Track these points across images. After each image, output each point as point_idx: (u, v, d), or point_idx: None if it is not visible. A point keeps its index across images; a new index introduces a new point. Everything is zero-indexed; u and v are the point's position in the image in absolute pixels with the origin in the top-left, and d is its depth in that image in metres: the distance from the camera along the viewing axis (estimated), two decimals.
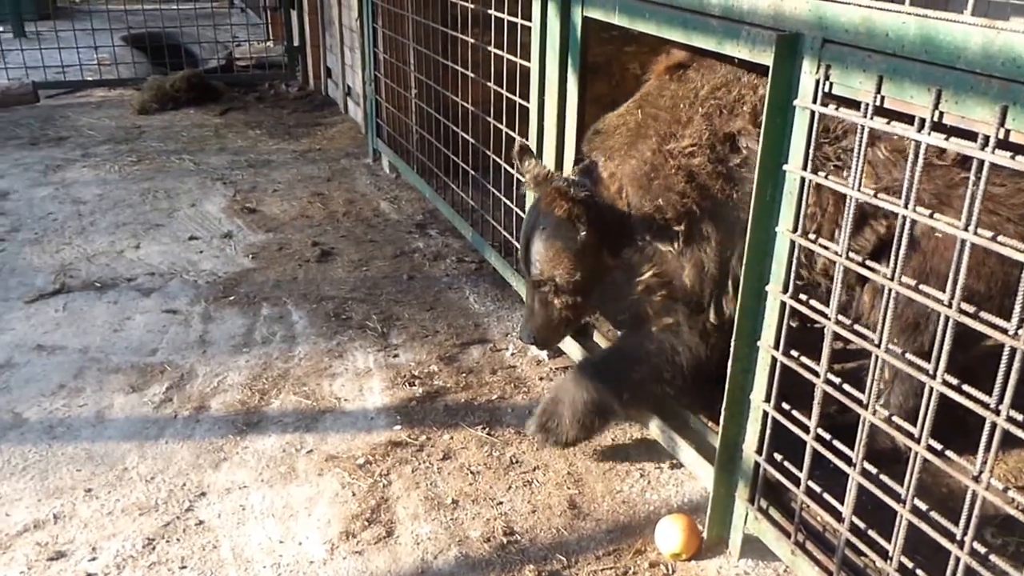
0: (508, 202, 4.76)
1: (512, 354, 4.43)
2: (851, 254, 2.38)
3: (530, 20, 4.07)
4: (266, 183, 7.07)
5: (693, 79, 3.34)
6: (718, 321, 3.30)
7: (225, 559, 3.05)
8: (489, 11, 4.75)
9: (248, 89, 10.24)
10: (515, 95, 4.46)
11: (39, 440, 3.69)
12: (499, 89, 4.70)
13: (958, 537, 2.15)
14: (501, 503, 3.36)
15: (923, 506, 2.27)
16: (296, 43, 10.53)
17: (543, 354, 4.36)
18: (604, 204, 3.37)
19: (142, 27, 10.88)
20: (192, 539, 3.15)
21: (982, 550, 2.12)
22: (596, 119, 3.68)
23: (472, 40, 5.15)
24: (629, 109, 3.52)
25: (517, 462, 3.59)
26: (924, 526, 2.22)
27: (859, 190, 2.31)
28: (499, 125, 4.76)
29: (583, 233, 3.36)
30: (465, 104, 5.39)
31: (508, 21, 4.49)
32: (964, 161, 2.74)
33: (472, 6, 5.08)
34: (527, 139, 4.29)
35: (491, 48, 4.78)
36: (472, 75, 5.23)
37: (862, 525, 2.47)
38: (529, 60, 4.13)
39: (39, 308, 4.87)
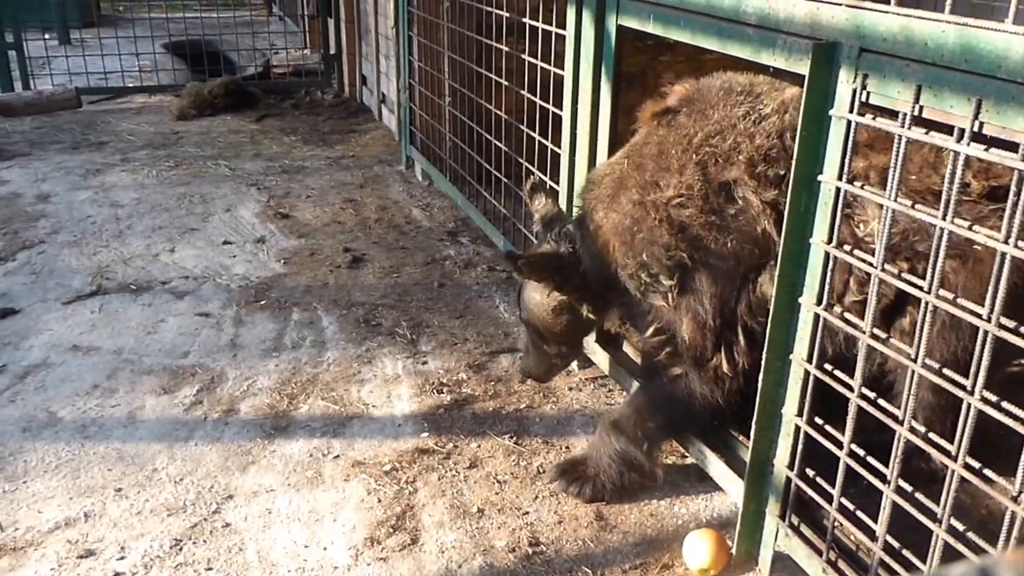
0: None
1: None
2: (887, 266, 2.34)
3: (564, 29, 4.06)
4: (300, 189, 7.11)
5: (684, 125, 3.18)
6: (731, 372, 3.15)
7: (250, 562, 3.05)
8: (524, 20, 4.75)
9: (284, 96, 10.32)
10: (548, 103, 4.45)
11: (72, 439, 3.72)
12: (533, 97, 4.70)
13: None
14: (527, 513, 3.33)
15: (960, 526, 2.22)
16: (332, 51, 10.60)
17: (572, 364, 4.34)
18: (592, 258, 3.41)
19: (182, 35, 10.99)
20: (218, 541, 3.15)
21: None
22: (628, 129, 3.62)
23: (507, 48, 5.15)
24: (618, 158, 3.44)
25: (544, 472, 3.56)
26: (961, 547, 2.18)
27: (896, 200, 2.27)
28: (532, 133, 4.75)
29: (555, 303, 3.58)
30: (499, 112, 5.39)
31: (543, 29, 4.48)
32: (992, 194, 2.66)
33: (508, 15, 5.07)
34: (559, 148, 4.28)
35: (525, 56, 4.77)
36: (506, 83, 5.23)
37: (896, 544, 2.42)
38: (563, 69, 4.12)
39: (76, 309, 4.92)
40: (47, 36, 11.96)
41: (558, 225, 3.66)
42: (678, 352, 3.25)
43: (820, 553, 2.71)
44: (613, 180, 3.35)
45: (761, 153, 2.96)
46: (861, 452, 2.50)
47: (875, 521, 2.47)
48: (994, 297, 2.01)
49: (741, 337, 3.08)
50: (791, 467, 2.76)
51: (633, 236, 3.19)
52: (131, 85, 10.41)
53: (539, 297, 3.63)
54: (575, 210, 3.66)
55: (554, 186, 4.46)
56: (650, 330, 3.33)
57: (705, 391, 3.22)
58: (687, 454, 3.59)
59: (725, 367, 3.12)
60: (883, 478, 2.42)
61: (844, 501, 2.59)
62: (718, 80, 3.27)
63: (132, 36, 10.51)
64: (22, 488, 3.41)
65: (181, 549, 3.11)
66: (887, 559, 2.44)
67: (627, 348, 4.19)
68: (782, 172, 2.90)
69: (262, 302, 5.04)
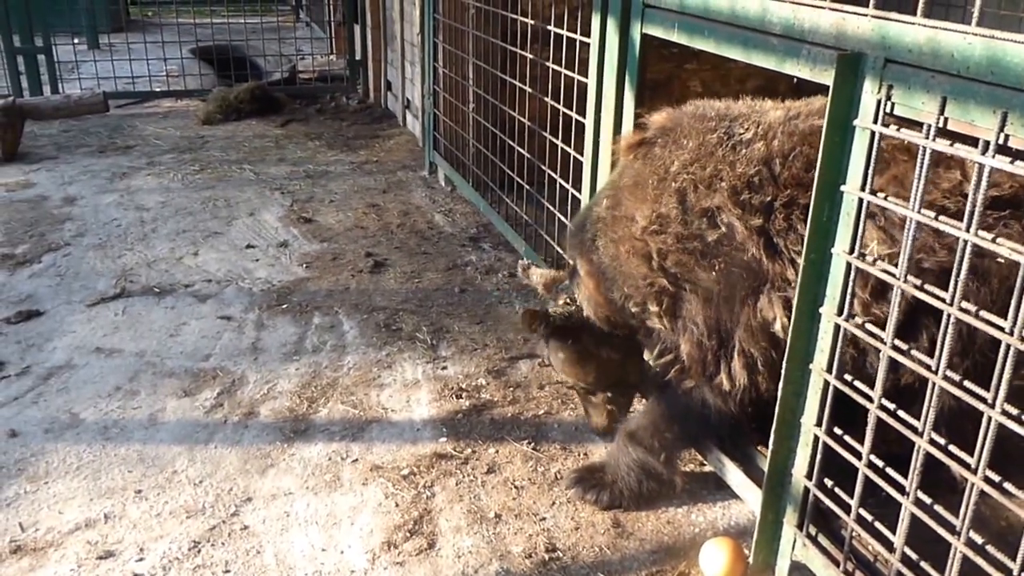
0: (562, 217, 4.75)
1: None
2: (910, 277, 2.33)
3: (589, 37, 4.06)
4: (323, 194, 7.14)
5: (660, 156, 3.15)
6: (731, 388, 3.09)
7: (268, 565, 3.07)
8: (549, 27, 4.76)
9: (310, 101, 10.38)
10: (572, 111, 4.45)
11: (94, 441, 3.75)
12: (556, 105, 4.70)
13: (1015, 574, 2.08)
14: (544, 519, 3.33)
15: (979, 539, 2.20)
16: (358, 57, 10.65)
17: None
18: (587, 304, 3.51)
19: (209, 40, 11.08)
20: (237, 544, 3.17)
21: None
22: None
23: (531, 56, 5.16)
24: (599, 199, 3.48)
25: (561, 478, 3.56)
26: (980, 560, 2.16)
27: (919, 212, 2.26)
28: (555, 140, 4.75)
29: (575, 355, 3.69)
30: (522, 119, 5.40)
31: (567, 37, 4.49)
32: (994, 203, 2.64)
33: (532, 22, 5.08)
34: (582, 155, 4.28)
35: (550, 64, 4.78)
36: (530, 90, 5.23)
37: (915, 556, 2.40)
38: (587, 76, 4.13)
39: (100, 311, 4.96)
40: (76, 41, 12.10)
41: (555, 286, 3.80)
42: (683, 370, 3.23)
43: (837, 564, 2.69)
44: (594, 224, 3.38)
45: (744, 181, 2.89)
46: (880, 463, 2.48)
47: (893, 532, 2.45)
48: (1017, 310, 1.99)
49: (736, 360, 3.02)
50: (809, 477, 2.75)
51: (613, 273, 3.26)
52: (158, 90, 10.50)
53: (561, 355, 3.72)
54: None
55: (576, 194, 4.47)
56: (656, 350, 3.35)
57: (718, 403, 3.20)
58: (705, 462, 3.58)
59: (726, 384, 3.10)
60: (902, 489, 2.40)
61: (862, 512, 2.58)
62: (691, 107, 3.27)
63: (160, 41, 10.59)
64: (43, 489, 3.44)
65: (199, 551, 3.13)
66: (905, 571, 2.42)
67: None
68: (768, 199, 2.85)
69: (284, 306, 5.07)
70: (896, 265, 2.36)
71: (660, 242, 3.04)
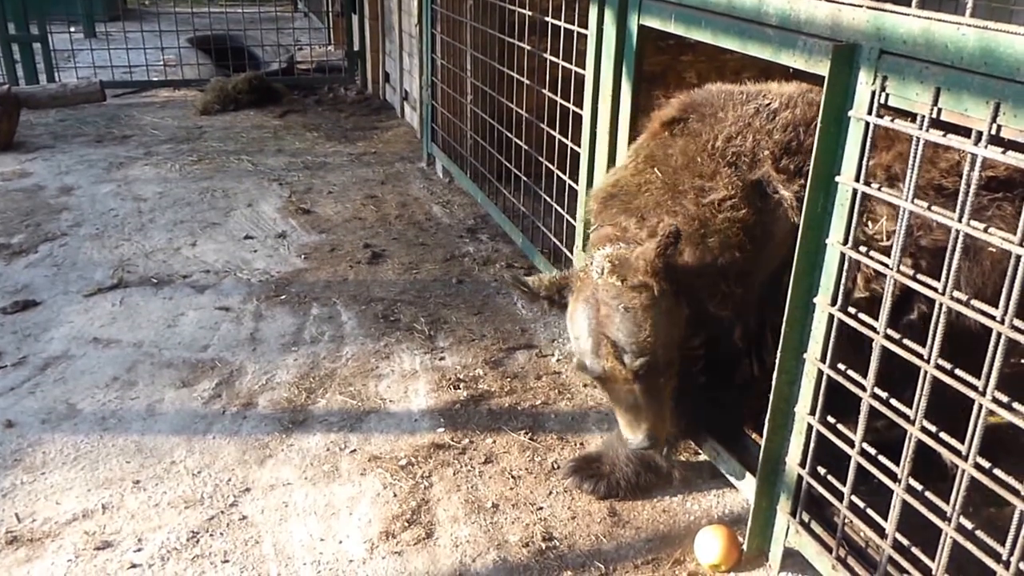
0: (559, 208, 4.76)
1: (557, 360, 4.42)
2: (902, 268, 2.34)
3: (586, 28, 4.07)
4: (321, 185, 7.14)
5: (700, 131, 3.15)
6: (760, 374, 3.12)
7: (267, 555, 3.08)
8: (546, 18, 4.76)
9: (308, 92, 10.37)
10: (569, 102, 4.46)
11: (91, 431, 3.76)
12: (554, 96, 4.71)
13: (1004, 558, 2.10)
14: (541, 508, 3.35)
15: (969, 525, 2.22)
16: (356, 48, 10.64)
17: None
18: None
19: (207, 29, 11.07)
20: (235, 534, 3.18)
21: None
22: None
23: (529, 47, 5.16)
24: (639, 169, 3.25)
25: (558, 467, 3.58)
26: (969, 546, 2.18)
27: (912, 202, 2.27)
28: (552, 132, 4.76)
29: (663, 289, 2.95)
30: (520, 111, 5.40)
31: (565, 28, 4.50)
32: (988, 184, 2.67)
33: (530, 14, 5.09)
34: (579, 146, 4.29)
35: (547, 55, 4.78)
36: (528, 82, 5.24)
37: (906, 542, 2.42)
38: (584, 68, 4.13)
39: (97, 302, 4.97)
40: (72, 29, 12.07)
41: (586, 266, 3.14)
42: (712, 359, 3.22)
43: (830, 550, 2.72)
44: (654, 187, 3.12)
45: (781, 148, 2.99)
46: (872, 451, 2.50)
47: (885, 519, 2.47)
48: (1008, 299, 2.01)
49: (770, 337, 3.08)
50: (803, 465, 2.77)
51: (705, 239, 3.00)
52: (155, 79, 10.49)
53: (653, 310, 2.95)
54: (599, 234, 3.23)
55: (573, 185, 4.48)
56: (697, 342, 3.18)
57: (728, 400, 3.21)
58: (700, 451, 3.59)
59: (756, 370, 3.11)
60: (894, 476, 2.42)
61: (855, 499, 2.60)
62: (713, 87, 3.31)
63: (157, 30, 10.58)
64: (40, 479, 3.45)
65: (198, 541, 3.14)
66: (896, 557, 2.44)
67: None
68: (802, 165, 2.92)
69: (282, 297, 5.08)
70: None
71: (742, 215, 3.00)
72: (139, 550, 3.09)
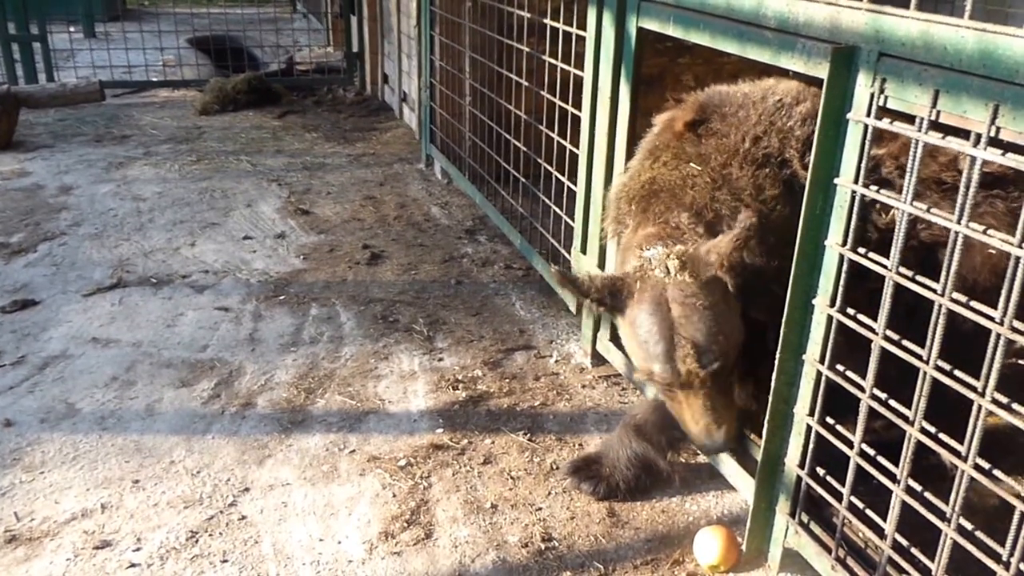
0: (557, 210, 4.76)
1: (556, 361, 4.43)
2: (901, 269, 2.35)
3: (585, 30, 4.07)
4: (320, 185, 7.15)
5: (726, 132, 3.09)
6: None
7: (266, 555, 3.09)
8: (545, 21, 4.77)
9: (307, 93, 10.38)
10: (568, 104, 4.47)
11: (90, 431, 3.76)
12: (552, 98, 4.72)
13: (1004, 558, 2.11)
14: (540, 509, 3.36)
15: (968, 525, 2.23)
16: (355, 49, 10.65)
17: (587, 361, 4.36)
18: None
19: (207, 30, 11.08)
20: (234, 534, 3.19)
21: None
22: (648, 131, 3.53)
23: (527, 49, 5.17)
24: (672, 165, 3.10)
25: (557, 468, 3.58)
26: (969, 546, 2.18)
27: (912, 204, 2.28)
28: (551, 134, 4.77)
29: (731, 286, 2.90)
30: (518, 112, 5.41)
31: (563, 31, 4.50)
32: (982, 180, 2.66)
33: (529, 16, 5.10)
34: (578, 148, 4.29)
35: (546, 57, 4.79)
36: (526, 83, 5.25)
37: (905, 543, 2.43)
38: (583, 70, 4.14)
39: (96, 302, 4.97)
40: (72, 29, 12.08)
41: (645, 264, 2.97)
42: (727, 366, 3.09)
43: (829, 551, 2.72)
44: (701, 180, 3.02)
45: (804, 144, 2.97)
46: (871, 451, 2.51)
47: (884, 519, 2.48)
48: (1007, 300, 2.02)
49: None
50: (802, 466, 2.78)
51: (768, 235, 2.91)
52: (155, 79, 10.49)
53: (725, 307, 2.90)
54: (644, 233, 3.07)
55: (572, 186, 4.48)
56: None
57: (744, 399, 3.22)
58: (699, 452, 3.60)
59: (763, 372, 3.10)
60: (893, 477, 2.43)
61: (854, 499, 2.61)
62: (721, 88, 3.27)
63: (157, 31, 10.60)
64: (39, 479, 3.45)
65: (197, 541, 3.14)
66: (896, 557, 2.45)
67: None
68: None
69: (281, 297, 5.08)
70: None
71: (781, 216, 2.93)
72: (138, 550, 3.09)
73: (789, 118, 3.06)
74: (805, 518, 2.86)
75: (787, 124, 3.06)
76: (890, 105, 2.32)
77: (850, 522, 2.67)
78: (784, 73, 2.89)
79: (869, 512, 2.56)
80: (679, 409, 3.04)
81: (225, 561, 3.05)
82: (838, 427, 2.64)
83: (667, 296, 2.88)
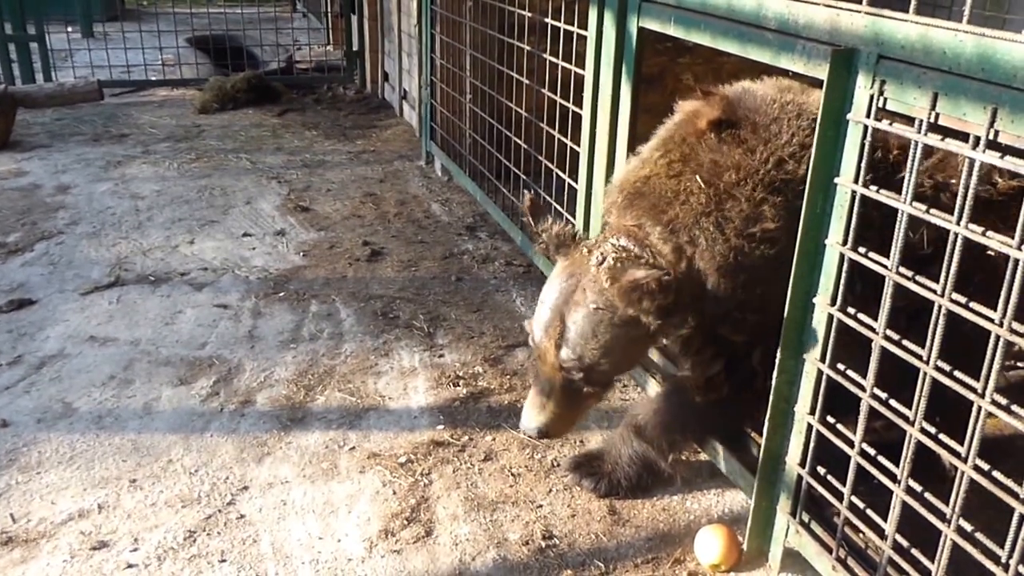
0: (558, 207, 4.77)
1: None
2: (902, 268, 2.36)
3: (586, 29, 4.08)
4: (320, 183, 7.15)
5: (754, 146, 2.89)
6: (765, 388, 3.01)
7: (264, 553, 3.09)
8: (546, 20, 4.78)
9: (307, 91, 10.38)
10: (569, 102, 4.47)
11: (87, 430, 3.76)
12: (553, 96, 4.72)
13: (1003, 560, 2.11)
14: (541, 506, 3.36)
15: (968, 527, 2.23)
16: (355, 47, 10.65)
17: None
18: (698, 290, 2.95)
19: (206, 29, 11.06)
20: (233, 533, 3.19)
21: None
22: (649, 129, 3.41)
23: (528, 48, 5.18)
24: (676, 171, 2.98)
25: (558, 465, 3.59)
26: (969, 547, 2.19)
27: (911, 204, 2.28)
28: (552, 131, 4.77)
29: (653, 327, 2.91)
30: (518, 110, 5.42)
31: (564, 30, 4.51)
32: None
33: (530, 15, 5.10)
34: (578, 146, 4.30)
35: (547, 56, 4.80)
36: (527, 82, 5.25)
37: (905, 543, 2.44)
38: (584, 68, 4.14)
39: (94, 300, 4.97)
40: (70, 29, 12.05)
41: (597, 245, 3.06)
42: (729, 381, 3.16)
43: (830, 550, 2.73)
44: (694, 199, 2.90)
45: None
46: (872, 451, 2.52)
47: (885, 519, 2.49)
48: (1007, 301, 2.02)
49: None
50: (803, 465, 2.78)
51: (737, 273, 2.87)
52: (154, 78, 10.48)
53: (621, 330, 2.94)
54: (617, 225, 3.10)
55: (572, 184, 4.49)
56: (718, 368, 3.15)
57: (736, 413, 3.21)
58: (700, 451, 3.60)
59: (763, 382, 3.09)
60: (893, 477, 2.44)
61: (855, 499, 2.61)
62: (758, 90, 3.06)
63: (156, 30, 10.57)
64: (36, 479, 3.44)
65: (195, 541, 3.14)
66: (896, 558, 2.45)
67: None
68: None
69: (281, 294, 5.09)
70: None
71: (779, 248, 2.82)
72: (135, 550, 3.09)
73: None
74: (806, 517, 2.86)
75: None
76: (890, 107, 2.33)
77: (851, 522, 2.67)
78: (784, 73, 2.89)
79: (870, 512, 2.57)
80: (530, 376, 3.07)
81: (223, 561, 3.05)
82: (839, 426, 2.64)
83: (581, 279, 2.97)
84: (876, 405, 2.46)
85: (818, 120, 2.51)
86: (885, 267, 2.39)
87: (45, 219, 6.17)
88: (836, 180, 2.50)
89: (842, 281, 2.53)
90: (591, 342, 2.95)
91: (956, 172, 2.68)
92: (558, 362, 2.99)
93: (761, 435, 2.94)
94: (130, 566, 3.01)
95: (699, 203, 2.89)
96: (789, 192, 2.83)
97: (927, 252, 2.58)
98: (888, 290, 2.39)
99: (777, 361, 2.79)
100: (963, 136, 2.13)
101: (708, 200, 2.87)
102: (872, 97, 2.35)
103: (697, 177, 2.91)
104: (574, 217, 4.48)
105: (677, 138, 3.07)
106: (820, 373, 2.65)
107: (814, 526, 2.85)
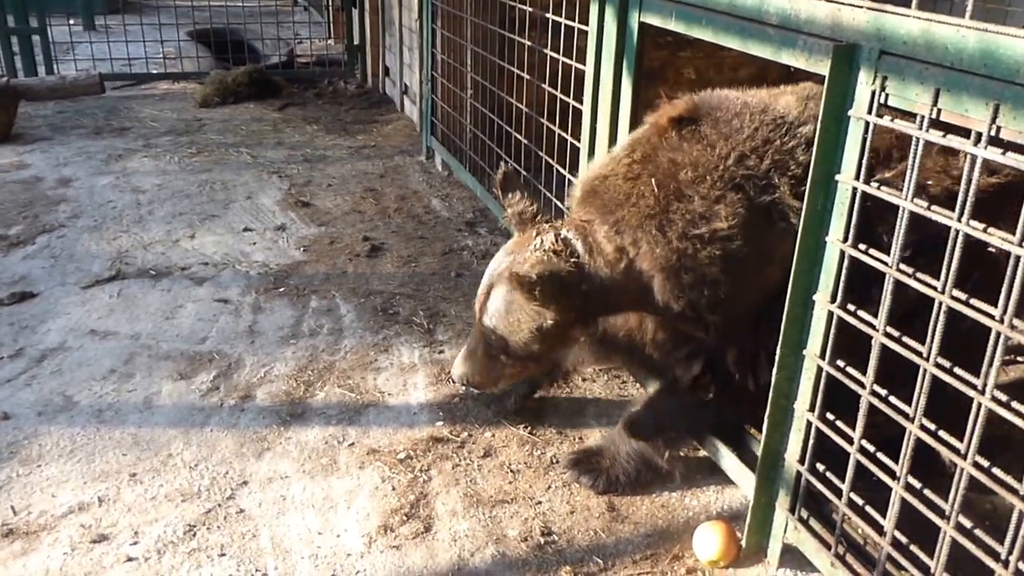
0: (559, 203, 4.76)
1: None
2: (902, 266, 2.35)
3: (587, 24, 4.07)
4: (321, 177, 7.14)
5: (715, 142, 2.91)
6: (755, 389, 3.07)
7: (264, 548, 3.09)
8: (547, 15, 4.77)
9: (308, 85, 10.35)
10: (569, 98, 4.47)
11: (88, 423, 3.76)
12: (554, 91, 4.71)
13: (1003, 557, 2.11)
14: (540, 503, 3.36)
15: (968, 523, 2.23)
16: (356, 42, 10.62)
17: None
18: (595, 277, 3.03)
19: (207, 23, 11.03)
20: (232, 527, 3.19)
21: None
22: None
23: (529, 43, 5.17)
24: (635, 172, 3.03)
25: (557, 462, 3.59)
26: (968, 544, 2.19)
27: (912, 201, 2.28)
28: (552, 127, 4.77)
29: (550, 322, 3.08)
30: (519, 105, 5.41)
31: (565, 25, 4.50)
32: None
33: (531, 10, 5.09)
34: (579, 141, 4.29)
35: (547, 51, 4.79)
36: (528, 77, 5.24)
37: (904, 540, 2.44)
38: (584, 64, 4.14)
39: (94, 294, 4.96)
40: (72, 21, 12.03)
41: (546, 230, 3.17)
42: (715, 382, 3.20)
43: (829, 547, 2.73)
44: (643, 202, 2.95)
45: (804, 170, 2.76)
46: (871, 448, 2.52)
47: (884, 516, 2.49)
48: (1007, 298, 2.02)
49: (764, 358, 3.00)
50: (802, 461, 2.78)
51: (680, 274, 2.91)
52: (155, 72, 10.46)
53: (525, 315, 3.12)
54: (573, 218, 3.23)
55: (572, 179, 4.48)
56: (697, 369, 3.21)
57: (729, 412, 3.22)
58: (700, 447, 3.60)
59: (751, 385, 3.10)
60: (892, 474, 2.44)
61: (853, 496, 2.61)
62: (723, 91, 3.12)
63: (157, 23, 10.57)
64: (36, 472, 3.45)
65: (195, 535, 3.14)
66: (895, 554, 2.46)
67: None
68: None
69: (281, 289, 5.08)
70: None
71: (733, 248, 2.84)
72: (135, 543, 3.09)
73: (792, 138, 2.88)
74: (805, 514, 2.87)
75: (787, 145, 2.88)
76: (891, 103, 2.32)
77: (850, 518, 2.67)
78: (786, 70, 2.88)
79: (869, 509, 2.57)
80: None
81: (223, 555, 3.05)
82: (838, 423, 2.64)
83: (516, 255, 3.14)
84: (876, 402, 2.46)
85: (819, 116, 2.50)
86: (885, 264, 2.38)
87: (46, 212, 6.16)
88: (837, 177, 2.49)
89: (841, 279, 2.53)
90: (504, 318, 3.16)
91: (931, 173, 2.70)
92: (482, 325, 3.23)
93: (759, 432, 2.94)
94: (130, 559, 3.02)
95: (647, 206, 2.94)
96: (751, 188, 2.85)
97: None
98: (887, 289, 2.39)
99: (777, 358, 2.78)
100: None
101: (656, 203, 2.92)
102: (874, 93, 2.35)
103: (653, 180, 2.96)
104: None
105: (642, 139, 3.16)
106: (820, 370, 2.64)
107: (813, 522, 2.85)
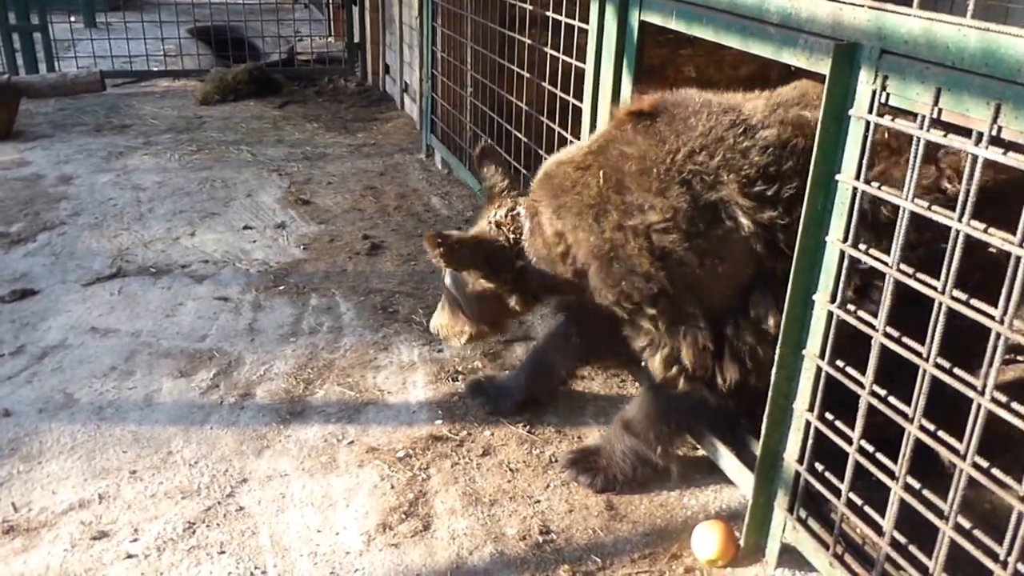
0: None
1: None
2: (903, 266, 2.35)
3: (587, 23, 4.07)
4: (321, 175, 7.14)
5: (666, 137, 2.96)
6: (723, 384, 3.08)
7: (263, 546, 3.09)
8: (547, 13, 4.77)
9: (308, 83, 10.35)
10: (569, 96, 4.47)
11: (88, 421, 3.76)
12: (553, 89, 4.71)
13: (1002, 557, 2.11)
14: (539, 501, 3.36)
15: (966, 523, 2.23)
16: (357, 39, 10.62)
17: None
18: (532, 255, 3.29)
19: (208, 20, 11.04)
20: (232, 524, 3.19)
21: None
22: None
23: (529, 41, 5.16)
24: (587, 162, 3.14)
25: (556, 461, 3.59)
26: (967, 544, 2.19)
27: (913, 201, 2.28)
28: (552, 125, 4.76)
29: (480, 288, 3.47)
30: (519, 103, 5.41)
31: (565, 23, 4.50)
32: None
33: (531, 8, 5.09)
34: (579, 139, 4.28)
35: (548, 49, 4.78)
36: (527, 75, 5.24)
37: (903, 540, 2.43)
38: (584, 62, 4.13)
39: (95, 291, 4.97)
40: (73, 19, 12.04)
41: (504, 204, 3.46)
42: (688, 373, 3.18)
43: (827, 547, 2.73)
44: (589, 195, 3.07)
45: (758, 171, 2.82)
46: (870, 448, 2.51)
47: (882, 516, 2.49)
48: (1008, 299, 2.02)
49: (728, 358, 3.03)
50: (800, 461, 2.78)
51: (611, 263, 3.01)
52: (155, 69, 10.46)
53: (464, 277, 3.51)
54: (528, 199, 3.39)
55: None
56: (656, 356, 3.21)
57: (714, 401, 3.22)
58: (698, 446, 3.60)
59: (719, 381, 3.09)
60: (891, 474, 2.44)
61: (852, 496, 2.61)
62: (694, 92, 3.14)
63: (158, 20, 10.57)
64: (37, 469, 3.45)
65: (194, 532, 3.15)
66: (893, 554, 2.45)
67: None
68: (780, 191, 2.81)
69: (281, 287, 5.08)
70: None
71: (668, 241, 2.89)
72: (135, 540, 3.10)
73: (748, 139, 2.88)
74: (803, 514, 2.87)
75: (741, 145, 2.88)
76: (892, 102, 2.32)
77: (848, 518, 2.67)
78: (784, 67, 2.88)
79: (867, 509, 2.57)
80: None
81: (222, 552, 3.05)
82: (837, 423, 2.64)
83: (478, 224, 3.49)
84: (875, 402, 2.46)
85: (820, 115, 2.50)
86: (885, 264, 2.38)
87: (47, 209, 6.16)
88: (837, 176, 2.49)
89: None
90: (456, 280, 3.56)
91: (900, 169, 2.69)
92: (442, 282, 3.65)
93: (759, 431, 2.94)
94: (130, 556, 3.02)
95: (589, 195, 3.07)
96: (697, 184, 2.88)
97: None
98: (887, 290, 2.39)
99: (776, 357, 2.78)
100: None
101: (598, 193, 3.04)
102: (874, 92, 2.34)
103: (601, 171, 3.06)
104: None
105: (604, 131, 3.28)
106: (819, 370, 2.64)
107: (811, 522, 2.85)
